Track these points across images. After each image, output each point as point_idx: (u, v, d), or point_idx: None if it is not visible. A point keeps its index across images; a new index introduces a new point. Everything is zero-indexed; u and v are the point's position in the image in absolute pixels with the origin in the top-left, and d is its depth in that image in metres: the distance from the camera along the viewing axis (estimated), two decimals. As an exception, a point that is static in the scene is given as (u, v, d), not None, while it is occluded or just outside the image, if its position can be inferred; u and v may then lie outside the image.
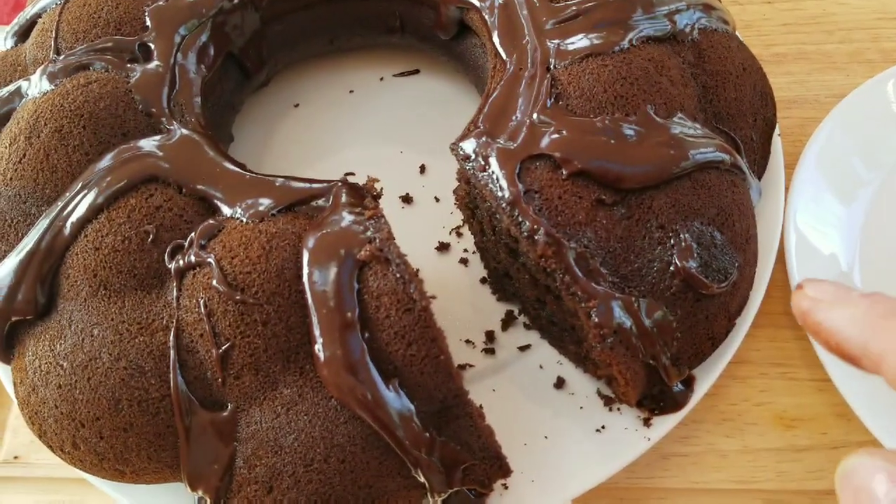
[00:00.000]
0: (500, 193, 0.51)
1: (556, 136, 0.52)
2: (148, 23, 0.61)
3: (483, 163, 0.53)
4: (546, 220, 0.50)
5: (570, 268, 0.49)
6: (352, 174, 0.70)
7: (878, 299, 0.34)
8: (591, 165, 0.51)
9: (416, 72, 0.77)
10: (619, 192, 0.51)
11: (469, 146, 0.54)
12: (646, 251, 0.50)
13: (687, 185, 0.52)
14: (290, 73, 0.76)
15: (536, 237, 0.49)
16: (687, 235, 0.51)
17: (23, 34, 0.66)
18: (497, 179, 0.52)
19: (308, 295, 0.48)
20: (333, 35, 0.74)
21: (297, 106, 0.76)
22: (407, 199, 0.70)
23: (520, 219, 0.50)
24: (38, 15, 0.65)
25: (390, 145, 0.73)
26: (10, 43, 0.67)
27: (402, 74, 0.77)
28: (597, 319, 0.49)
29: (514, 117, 0.55)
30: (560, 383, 0.58)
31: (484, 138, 0.54)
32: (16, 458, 0.62)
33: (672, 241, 0.51)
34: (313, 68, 0.77)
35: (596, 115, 0.53)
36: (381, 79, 0.77)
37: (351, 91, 0.76)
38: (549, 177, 0.51)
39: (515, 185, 0.51)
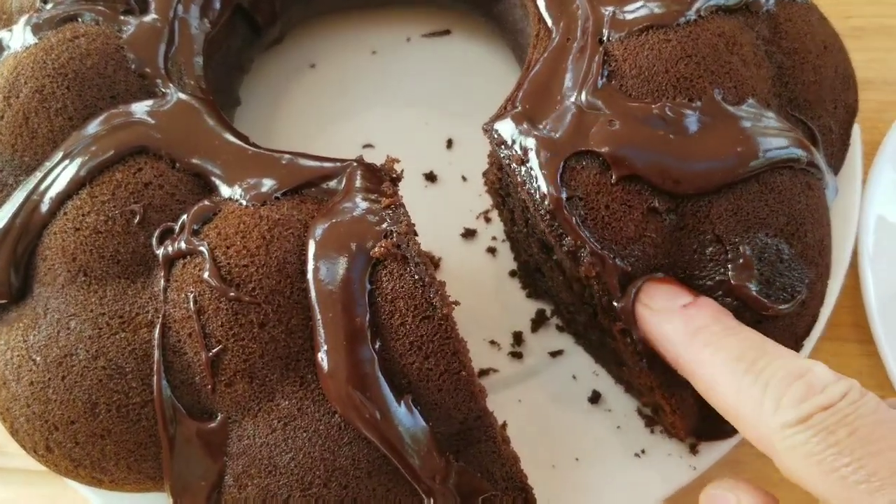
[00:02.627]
0: (538, 197, 0.44)
1: (606, 128, 0.45)
2: (146, -31, 0.55)
3: (521, 154, 0.45)
4: (590, 233, 0.43)
5: (613, 289, 0.43)
6: (370, 146, 0.65)
7: (690, 314, 0.40)
8: (644, 168, 0.44)
9: (447, 32, 0.71)
10: (674, 198, 0.44)
11: (506, 130, 0.47)
12: (695, 267, 0.43)
13: (753, 190, 0.45)
14: (306, 29, 0.70)
15: (580, 254, 0.43)
16: (747, 249, 0.44)
17: (11, -23, 0.60)
18: (536, 178, 0.44)
19: (312, 294, 0.43)
20: (357, -11, 0.67)
21: (313, 67, 0.70)
22: (431, 178, 0.64)
23: (560, 230, 0.44)
24: (27, -44, 0.58)
25: (415, 114, 0.67)
26: (-4, -13, 0.60)
27: (430, 35, 0.71)
28: (642, 347, 0.43)
29: (558, 98, 0.47)
30: (596, 398, 0.53)
31: (524, 124, 0.46)
32: (-6, 445, 0.58)
33: (729, 255, 0.43)
34: (332, 25, 0.71)
35: (655, 98, 0.46)
36: (408, 39, 0.71)
37: (374, 52, 0.70)
38: (596, 181, 0.44)
39: (558, 190, 0.44)
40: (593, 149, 0.44)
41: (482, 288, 0.59)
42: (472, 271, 0.59)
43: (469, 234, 0.61)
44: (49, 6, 0.53)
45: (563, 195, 0.44)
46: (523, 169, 0.45)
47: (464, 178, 0.63)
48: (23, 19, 0.53)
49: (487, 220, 0.61)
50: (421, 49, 0.70)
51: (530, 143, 0.46)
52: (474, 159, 0.61)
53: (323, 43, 0.70)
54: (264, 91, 0.68)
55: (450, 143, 0.65)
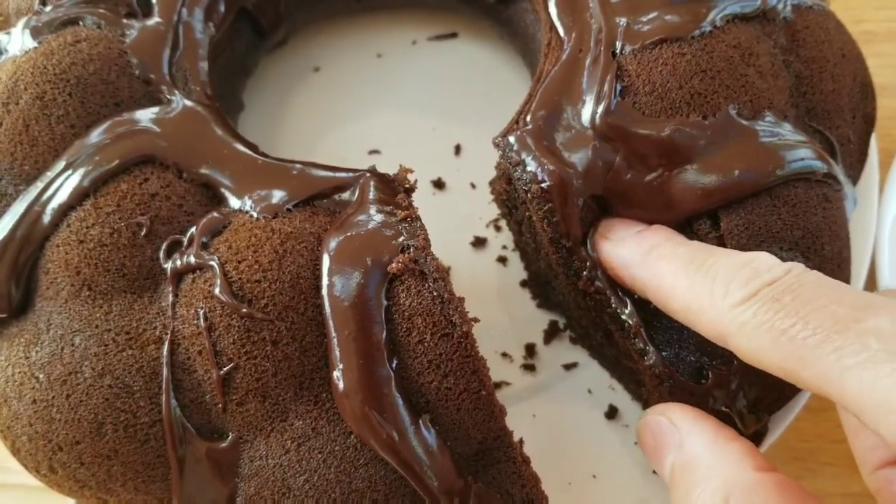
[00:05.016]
0: (556, 235, 0.44)
1: (619, 178, 0.44)
2: (149, -30, 0.54)
3: (535, 176, 0.44)
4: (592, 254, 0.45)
5: (620, 301, 0.44)
6: (377, 152, 0.64)
7: (644, 236, 0.42)
8: (649, 220, 0.45)
9: (454, 35, 0.70)
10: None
11: (519, 147, 0.46)
12: None
13: (765, 204, 0.44)
14: (310, 32, 0.69)
15: (582, 273, 0.44)
16: None
17: (7, -23, 0.58)
18: (553, 216, 0.44)
19: (327, 311, 0.42)
20: (362, -9, 0.66)
21: (317, 70, 0.69)
22: (439, 185, 0.63)
23: (574, 258, 0.44)
24: (24, -44, 0.57)
25: (422, 120, 0.66)
26: (-8, -13, 0.59)
27: (437, 38, 0.70)
28: (653, 360, 0.43)
29: (572, 115, 0.46)
30: (612, 413, 0.53)
31: (538, 144, 0.45)
32: (-9, 461, 0.56)
33: None
34: (337, 28, 0.70)
35: (669, 115, 0.45)
36: (414, 42, 0.70)
37: (379, 55, 0.69)
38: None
39: (577, 230, 0.44)
40: (606, 197, 0.45)
41: (493, 298, 0.58)
42: (483, 281, 0.59)
43: (479, 242, 0.60)
44: (48, 9, 0.52)
45: (580, 236, 0.44)
46: (540, 202, 0.44)
47: (472, 186, 0.62)
48: (21, 22, 0.51)
49: (497, 228, 0.60)
50: (427, 52, 0.69)
51: (547, 175, 0.44)
52: (483, 166, 0.61)
53: (327, 46, 0.69)
54: (267, 95, 0.67)
55: (458, 150, 0.64)
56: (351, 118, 0.66)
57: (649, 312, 0.44)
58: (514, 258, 0.59)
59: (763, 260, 0.37)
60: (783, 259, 0.44)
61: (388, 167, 0.48)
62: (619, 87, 0.46)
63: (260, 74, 0.67)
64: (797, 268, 0.35)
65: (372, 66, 0.68)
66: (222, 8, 0.56)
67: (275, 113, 0.66)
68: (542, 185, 0.44)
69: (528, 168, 0.45)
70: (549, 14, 0.53)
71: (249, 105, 0.65)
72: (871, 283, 0.56)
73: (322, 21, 0.69)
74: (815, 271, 0.36)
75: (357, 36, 0.69)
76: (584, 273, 0.44)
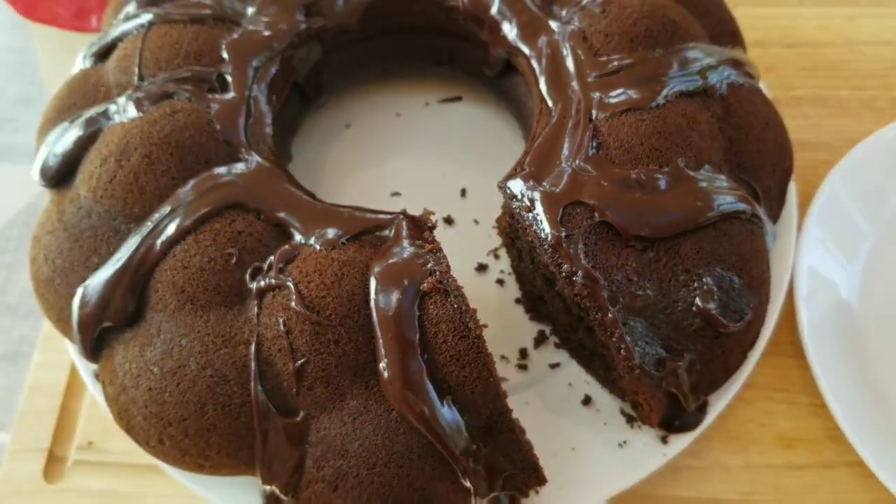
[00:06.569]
0: (542, 235, 0.56)
1: (595, 186, 0.57)
2: (224, 55, 0.66)
3: (529, 204, 0.58)
4: (583, 261, 0.55)
5: (603, 307, 0.54)
6: (398, 194, 0.75)
7: None
8: (622, 221, 0.55)
9: (459, 99, 0.82)
10: (648, 240, 0.56)
11: (516, 187, 0.60)
12: (671, 292, 0.56)
13: (712, 234, 0.57)
14: (343, 96, 0.81)
15: (574, 279, 0.54)
16: (709, 279, 0.56)
17: (101, 55, 0.71)
18: (541, 222, 0.57)
19: (375, 319, 0.52)
20: (386, 64, 0.79)
21: (348, 127, 0.80)
22: (449, 221, 0.74)
23: (560, 261, 0.55)
24: (119, 39, 0.69)
25: (434, 167, 0.77)
26: (88, 63, 0.71)
27: (445, 101, 0.82)
28: (626, 353, 0.54)
29: (558, 162, 0.60)
30: (587, 400, 0.63)
31: (531, 181, 0.59)
32: (90, 443, 0.67)
33: (696, 283, 0.56)
34: (364, 92, 0.82)
35: (633, 165, 0.58)
36: (427, 104, 0.81)
37: (398, 114, 0.81)
38: (588, 224, 0.56)
39: (558, 229, 0.56)
40: (585, 200, 0.56)
41: (493, 312, 0.68)
42: (484, 299, 0.68)
43: (481, 268, 0.72)
44: (145, 83, 0.64)
45: (562, 234, 0.55)
46: (531, 215, 0.58)
47: (476, 222, 0.74)
48: (125, 95, 0.63)
49: (496, 256, 0.72)
50: (437, 112, 0.80)
51: (536, 195, 0.58)
52: (484, 206, 0.73)
53: (356, 107, 0.80)
54: (309, 147, 0.78)
55: (463, 192, 0.76)
56: (376, 166, 0.77)
57: (625, 316, 0.53)
58: (510, 280, 0.70)
59: None
60: (724, 277, 0.56)
61: (406, 205, 0.59)
62: (594, 144, 0.60)
63: (304, 131, 0.78)
64: None
65: (392, 123, 0.80)
66: (281, 84, 0.68)
67: (316, 162, 0.77)
68: (533, 211, 0.56)
69: (522, 197, 0.58)
70: (539, 90, 0.66)
71: (296, 156, 0.76)
72: (791, 301, 0.69)
73: (353, 87, 0.81)
74: None
75: (380, 99, 0.81)
76: (575, 278, 0.53)
